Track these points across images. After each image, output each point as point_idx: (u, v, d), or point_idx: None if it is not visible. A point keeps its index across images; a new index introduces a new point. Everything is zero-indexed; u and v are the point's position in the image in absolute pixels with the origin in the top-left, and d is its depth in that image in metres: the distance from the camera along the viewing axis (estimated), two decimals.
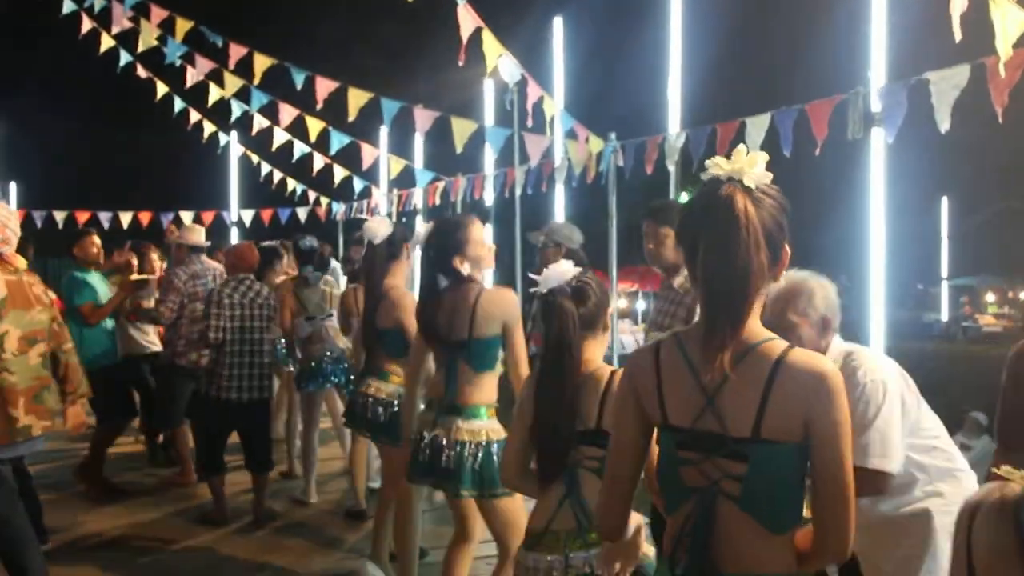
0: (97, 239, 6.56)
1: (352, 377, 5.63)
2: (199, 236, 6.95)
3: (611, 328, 2.71)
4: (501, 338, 3.60)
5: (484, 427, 3.60)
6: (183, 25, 8.93)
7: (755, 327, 1.74)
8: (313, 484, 6.22)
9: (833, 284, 2.89)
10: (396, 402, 4.43)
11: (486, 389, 3.64)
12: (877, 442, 2.60)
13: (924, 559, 2.69)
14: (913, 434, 2.73)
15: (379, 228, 4.59)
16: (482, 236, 3.84)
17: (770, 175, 1.74)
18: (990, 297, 37.86)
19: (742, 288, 1.68)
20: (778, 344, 1.72)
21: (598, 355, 2.60)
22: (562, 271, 2.54)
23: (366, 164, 10.44)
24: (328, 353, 6.13)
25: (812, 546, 1.73)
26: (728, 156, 1.77)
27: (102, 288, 6.49)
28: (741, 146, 1.76)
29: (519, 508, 3.62)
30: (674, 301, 4.04)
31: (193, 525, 5.70)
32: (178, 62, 9.81)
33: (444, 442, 3.58)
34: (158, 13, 8.97)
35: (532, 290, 2.58)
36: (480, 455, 3.56)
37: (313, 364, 6.13)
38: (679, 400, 1.77)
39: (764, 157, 1.74)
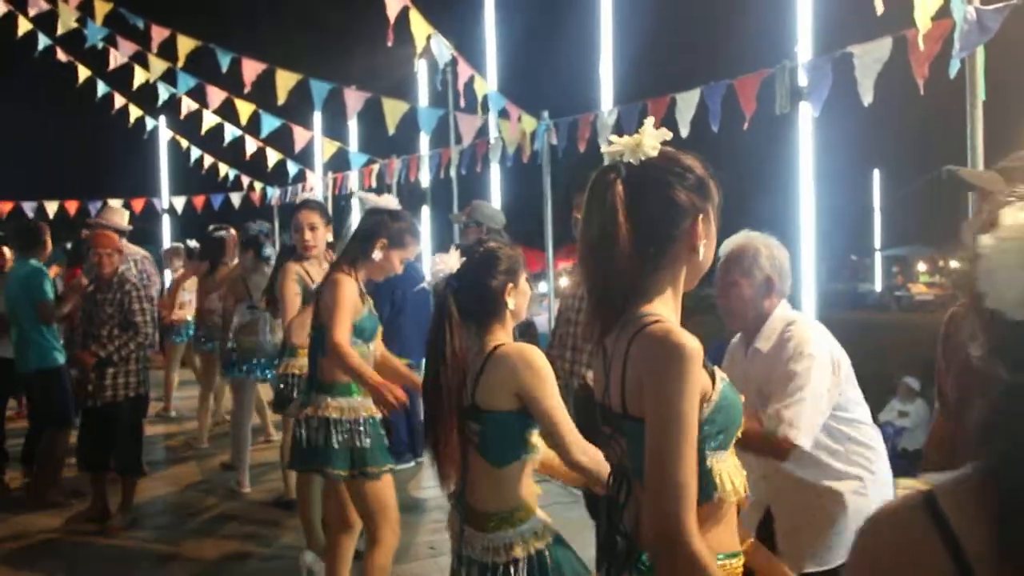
0: (49, 236, 6.32)
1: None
2: (122, 218, 6.73)
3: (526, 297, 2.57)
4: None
5: (355, 404, 3.61)
6: (102, 7, 8.62)
7: (647, 308, 1.69)
8: (247, 474, 6.13)
9: (784, 248, 2.90)
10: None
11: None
12: (793, 413, 2.61)
13: (831, 535, 2.71)
14: (840, 408, 2.76)
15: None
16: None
17: (657, 149, 1.71)
18: (921, 267, 38.89)
19: (604, 267, 1.68)
20: (648, 319, 1.66)
21: (502, 334, 2.47)
22: (448, 265, 2.46)
23: (299, 147, 10.23)
24: (261, 348, 6.00)
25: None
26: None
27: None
28: (648, 121, 1.74)
29: (389, 492, 3.61)
30: None
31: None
32: (100, 45, 9.49)
33: (315, 420, 3.61)
34: None
35: (421, 285, 2.53)
36: (350, 432, 3.56)
37: (245, 354, 6.04)
38: (597, 378, 1.81)
39: (657, 134, 1.72)
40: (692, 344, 1.57)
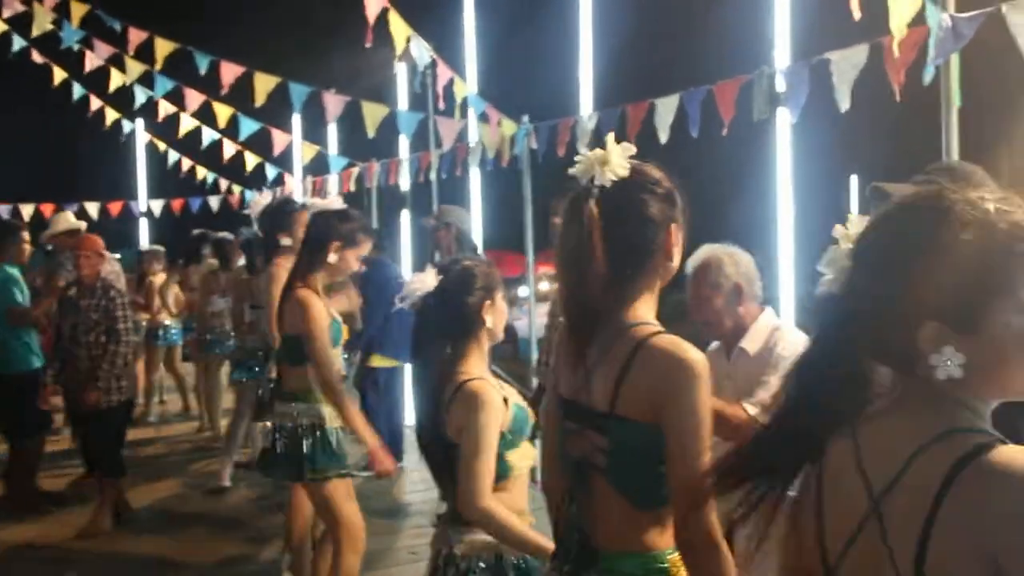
0: (27, 236, 6.28)
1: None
2: (69, 219, 6.83)
3: (504, 315, 2.57)
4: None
5: (301, 410, 3.62)
6: (79, 9, 8.55)
7: (635, 313, 1.79)
8: (227, 469, 6.14)
9: (747, 254, 2.96)
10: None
11: (303, 379, 3.67)
12: (764, 395, 2.63)
13: None
14: None
15: (259, 206, 4.50)
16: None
17: (627, 168, 1.76)
18: None
19: (580, 290, 1.77)
20: (648, 328, 1.76)
21: (477, 357, 2.46)
22: (424, 283, 2.44)
23: (278, 150, 10.19)
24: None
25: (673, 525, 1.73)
26: (637, 137, 1.80)
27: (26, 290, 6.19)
28: (610, 136, 1.78)
29: (338, 496, 3.63)
30: None
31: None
32: (76, 47, 9.41)
33: (270, 427, 3.70)
34: None
35: (396, 306, 2.50)
36: (291, 438, 3.59)
37: (247, 354, 6.04)
38: (568, 373, 1.86)
39: (624, 150, 1.76)
40: (701, 357, 1.70)
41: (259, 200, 4.59)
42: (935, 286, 1.13)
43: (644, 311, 1.80)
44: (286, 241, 4.30)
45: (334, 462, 3.62)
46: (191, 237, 8.50)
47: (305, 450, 3.57)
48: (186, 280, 8.36)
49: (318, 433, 3.60)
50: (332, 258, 3.68)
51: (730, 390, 2.87)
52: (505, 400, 2.39)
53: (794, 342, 2.81)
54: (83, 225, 7.25)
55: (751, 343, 2.86)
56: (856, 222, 1.28)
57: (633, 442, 1.72)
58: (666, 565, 1.75)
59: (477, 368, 2.44)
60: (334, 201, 3.85)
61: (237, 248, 7.07)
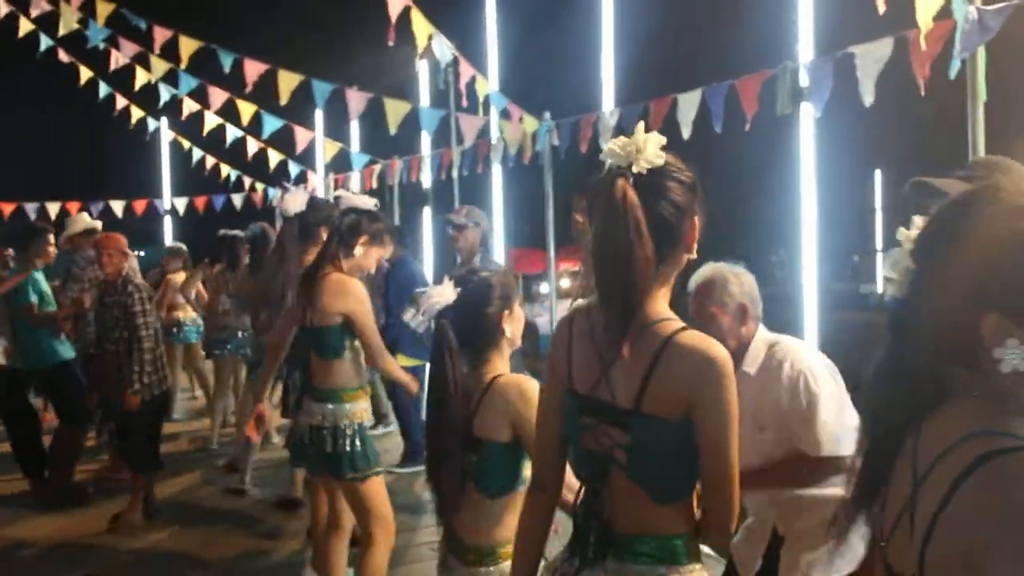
0: (52, 238, 6.38)
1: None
2: (84, 220, 6.91)
3: (522, 317, 2.56)
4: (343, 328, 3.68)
5: (337, 412, 3.64)
6: (104, 8, 8.64)
7: (655, 307, 1.77)
8: (249, 473, 6.16)
9: (751, 274, 2.92)
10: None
11: (339, 375, 3.69)
12: (821, 430, 2.62)
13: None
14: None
15: (293, 201, 4.45)
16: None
17: (662, 157, 1.73)
18: None
19: (626, 275, 1.70)
20: (673, 325, 1.75)
21: (500, 363, 2.44)
22: (443, 296, 2.41)
23: (300, 147, 10.24)
24: None
25: (701, 521, 1.80)
26: (659, 132, 1.76)
27: (47, 290, 6.27)
28: (640, 125, 1.76)
29: (374, 493, 3.65)
30: None
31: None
32: (102, 45, 9.51)
33: (305, 425, 3.72)
34: None
35: (407, 319, 2.47)
36: (334, 438, 3.61)
37: (260, 354, 6.04)
38: (582, 367, 1.84)
39: (658, 140, 1.74)
40: (727, 354, 1.72)
41: (293, 196, 4.54)
42: (994, 278, 1.12)
43: (662, 304, 1.78)
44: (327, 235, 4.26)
45: (371, 460, 3.66)
46: (217, 238, 8.53)
47: (347, 449, 3.61)
48: (209, 279, 8.40)
49: (356, 432, 3.65)
50: (359, 251, 3.74)
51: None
52: None
53: (799, 353, 2.77)
54: (98, 224, 7.32)
55: (751, 365, 2.81)
56: (918, 224, 1.27)
57: (656, 439, 1.73)
58: (682, 546, 1.78)
59: (503, 370, 2.44)
60: (366, 200, 3.86)
61: (245, 245, 7.05)
